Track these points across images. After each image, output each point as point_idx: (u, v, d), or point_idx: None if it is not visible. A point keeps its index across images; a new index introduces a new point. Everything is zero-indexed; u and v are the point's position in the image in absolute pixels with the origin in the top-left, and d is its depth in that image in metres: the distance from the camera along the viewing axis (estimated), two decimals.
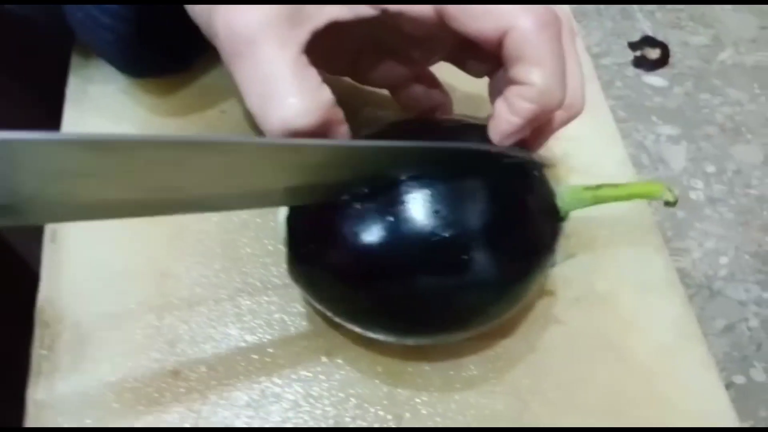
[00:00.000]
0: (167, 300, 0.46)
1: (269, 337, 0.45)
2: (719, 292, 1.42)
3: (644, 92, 1.72)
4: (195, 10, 0.39)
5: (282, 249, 0.41)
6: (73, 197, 0.33)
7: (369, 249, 0.37)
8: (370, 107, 0.47)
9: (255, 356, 0.44)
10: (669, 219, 1.51)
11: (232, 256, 0.47)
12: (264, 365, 0.44)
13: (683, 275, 1.43)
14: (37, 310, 0.45)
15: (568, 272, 0.48)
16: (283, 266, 0.42)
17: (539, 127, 0.42)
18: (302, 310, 0.46)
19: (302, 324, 0.45)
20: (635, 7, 1.87)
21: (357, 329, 0.41)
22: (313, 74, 0.36)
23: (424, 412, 0.43)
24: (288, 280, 0.43)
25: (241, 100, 0.52)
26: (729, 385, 1.28)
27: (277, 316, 0.45)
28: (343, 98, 0.38)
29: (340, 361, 0.44)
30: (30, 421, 0.42)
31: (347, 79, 0.48)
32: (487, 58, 0.42)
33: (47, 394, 0.42)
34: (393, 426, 0.42)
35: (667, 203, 0.43)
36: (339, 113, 0.38)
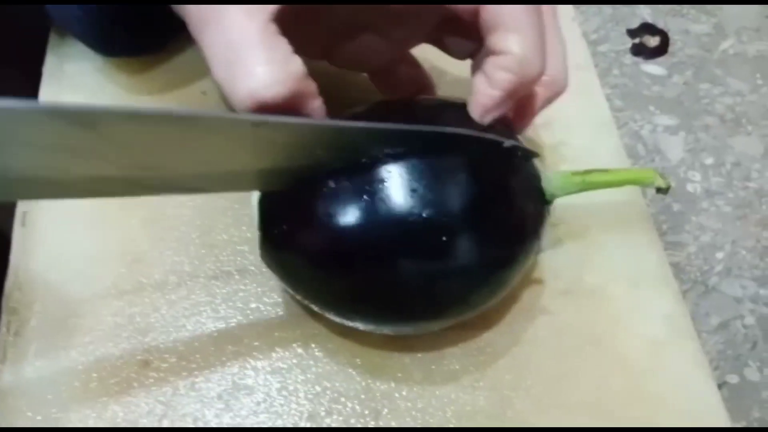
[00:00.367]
0: (140, 287, 0.45)
1: (244, 327, 0.44)
2: (714, 288, 1.42)
3: (642, 81, 1.71)
4: None
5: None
6: (42, 172, 0.32)
7: (343, 230, 0.36)
8: (347, 90, 0.46)
9: (229, 347, 0.43)
10: (664, 212, 1.50)
11: (208, 242, 0.47)
12: (237, 356, 0.43)
13: (677, 270, 1.43)
14: (5, 295, 0.44)
15: (556, 263, 0.47)
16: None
17: (521, 105, 0.42)
18: (279, 299, 0.45)
19: (279, 314, 0.45)
20: None
21: (333, 317, 0.41)
22: (282, 43, 0.35)
23: (402, 406, 0.42)
24: (266, 268, 0.42)
25: None
26: (722, 385, 1.28)
27: (253, 305, 0.45)
28: (318, 81, 0.37)
29: (317, 353, 0.44)
30: None
31: (325, 64, 0.47)
32: (468, 36, 0.41)
33: (13, 381, 0.42)
34: (370, 421, 0.42)
35: (659, 190, 0.43)
36: (311, 86, 0.37)
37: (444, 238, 0.37)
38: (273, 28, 0.35)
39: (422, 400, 0.43)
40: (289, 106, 0.36)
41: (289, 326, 0.44)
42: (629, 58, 1.75)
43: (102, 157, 0.32)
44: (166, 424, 0.41)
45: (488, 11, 0.37)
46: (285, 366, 0.43)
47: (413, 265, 0.37)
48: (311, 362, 0.43)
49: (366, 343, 0.44)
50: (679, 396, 0.44)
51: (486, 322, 0.45)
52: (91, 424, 0.41)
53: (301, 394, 0.42)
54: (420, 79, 0.48)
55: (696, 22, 1.84)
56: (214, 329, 0.44)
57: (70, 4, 0.47)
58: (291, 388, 0.42)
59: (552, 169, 0.43)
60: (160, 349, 0.43)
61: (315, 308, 0.41)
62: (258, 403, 0.42)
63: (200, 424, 0.41)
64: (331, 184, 0.37)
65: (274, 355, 0.43)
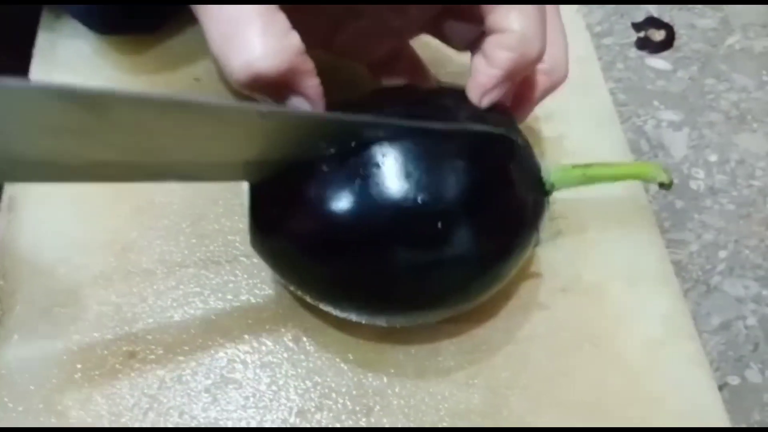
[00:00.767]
0: (127, 276, 0.45)
1: (234, 319, 0.44)
2: (716, 288, 1.41)
3: (646, 75, 1.71)
4: None
5: None
6: (42, 154, 0.32)
7: (336, 215, 0.36)
8: (344, 80, 0.46)
9: (218, 339, 0.43)
10: (667, 209, 1.50)
11: (199, 232, 0.47)
12: (226, 349, 0.43)
13: (679, 268, 1.43)
14: None
15: (554, 259, 0.47)
16: None
17: (520, 93, 0.42)
18: (270, 291, 0.45)
19: (270, 306, 0.44)
20: None
21: (325, 307, 0.40)
22: (281, 18, 0.35)
23: (395, 403, 0.42)
24: (257, 259, 0.42)
25: (215, 68, 0.52)
26: (723, 386, 1.28)
27: (243, 297, 0.45)
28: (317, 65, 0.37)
29: (308, 347, 0.43)
30: None
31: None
32: (468, 24, 0.41)
33: None
34: (362, 417, 0.41)
35: (662, 185, 0.42)
36: (308, 63, 0.37)
37: (439, 225, 0.36)
38: (272, 6, 0.35)
39: (415, 397, 0.42)
40: (285, 81, 0.35)
41: (281, 319, 0.44)
42: (634, 52, 1.75)
43: (105, 140, 0.32)
44: (151, 417, 0.41)
45: None
46: (275, 360, 0.43)
47: (407, 252, 0.37)
48: (302, 356, 0.43)
49: (359, 338, 0.44)
50: (678, 396, 0.44)
51: (482, 317, 0.45)
52: (73, 416, 0.40)
53: (291, 389, 0.42)
54: (419, 72, 0.47)
55: (702, 16, 1.83)
56: (202, 321, 0.44)
57: None
58: (281, 382, 0.42)
59: (551, 161, 0.42)
60: (146, 340, 0.43)
61: (307, 298, 0.41)
62: (246, 398, 0.41)
63: (186, 418, 0.41)
64: (324, 167, 0.36)
65: (264, 348, 0.43)
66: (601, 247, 0.49)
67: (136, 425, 0.40)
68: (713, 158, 1.58)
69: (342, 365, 0.43)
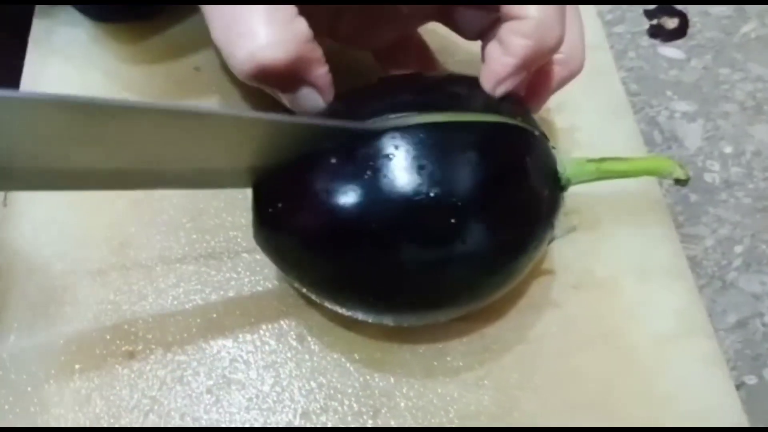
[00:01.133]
0: (126, 273, 0.45)
1: (236, 317, 0.44)
2: (732, 284, 1.41)
3: (659, 64, 1.70)
4: None
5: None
6: (41, 163, 0.33)
7: (345, 208, 0.36)
8: (351, 68, 0.46)
9: (219, 338, 0.43)
10: (681, 202, 1.50)
11: (199, 227, 0.46)
12: (229, 348, 0.43)
13: (694, 264, 1.42)
14: None
15: (566, 254, 0.47)
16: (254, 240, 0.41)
17: (535, 83, 0.41)
18: (274, 289, 0.45)
19: (273, 304, 0.44)
20: None
21: (330, 305, 0.40)
22: (286, 6, 0.35)
23: (402, 405, 0.42)
24: (260, 255, 0.41)
25: (215, 57, 0.52)
26: (740, 386, 1.27)
27: (245, 294, 0.44)
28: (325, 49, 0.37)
29: (313, 346, 0.43)
30: None
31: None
32: (481, 11, 0.41)
33: None
34: (368, 419, 0.41)
35: (678, 181, 0.42)
36: (317, 51, 0.36)
37: (453, 220, 0.36)
38: None
39: (423, 399, 0.42)
40: (292, 71, 0.35)
41: (284, 317, 0.44)
42: (646, 40, 1.74)
43: (105, 150, 0.33)
44: (152, 419, 0.41)
45: None
46: (279, 360, 0.43)
47: (418, 248, 0.37)
48: (306, 356, 0.43)
49: (365, 337, 0.43)
50: (693, 395, 0.44)
51: (492, 315, 0.45)
52: (71, 418, 0.40)
53: (296, 390, 0.42)
54: (427, 61, 0.47)
55: (716, 3, 1.83)
56: (204, 320, 0.43)
57: None
58: (285, 383, 0.42)
59: (564, 155, 0.42)
60: (146, 339, 0.43)
61: (312, 295, 0.40)
62: (250, 399, 0.41)
63: (188, 420, 0.41)
64: (333, 159, 0.36)
65: (267, 348, 0.43)
66: (614, 242, 0.49)
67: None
68: (728, 150, 1.58)
69: (348, 365, 0.43)
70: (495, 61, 0.38)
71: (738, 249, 1.45)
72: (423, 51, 0.47)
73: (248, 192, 0.39)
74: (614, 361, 0.44)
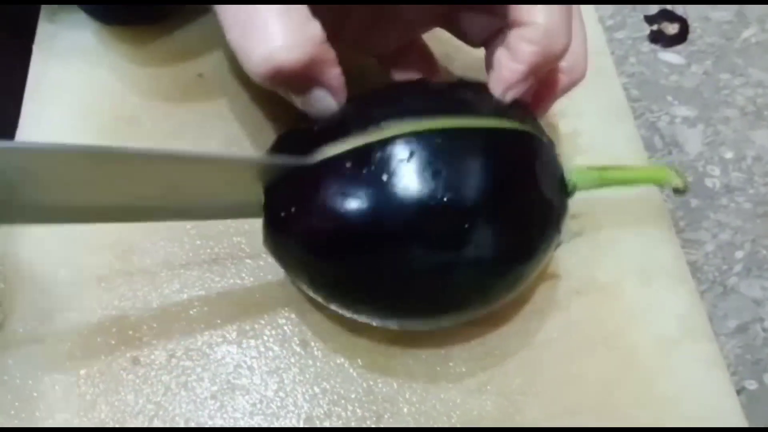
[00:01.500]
0: (130, 279, 0.45)
1: (240, 323, 0.44)
2: (733, 289, 1.41)
3: (660, 70, 1.70)
4: None
5: (258, 226, 0.40)
6: (54, 201, 0.36)
7: (359, 212, 0.36)
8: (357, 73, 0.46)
9: (223, 344, 0.43)
10: (682, 207, 1.50)
11: (203, 233, 0.47)
12: (232, 354, 0.43)
13: (694, 269, 1.42)
14: None
15: (568, 260, 0.47)
16: (258, 245, 0.41)
17: (540, 91, 0.41)
18: (278, 295, 0.45)
19: (276, 310, 0.44)
20: None
21: (337, 308, 0.40)
22: (301, 7, 0.35)
23: (405, 410, 0.42)
24: (263, 261, 0.42)
25: (219, 64, 0.52)
26: (740, 390, 1.27)
27: (249, 300, 0.45)
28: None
29: (316, 352, 0.43)
30: None
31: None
32: (485, 18, 0.41)
33: None
34: (371, 425, 0.41)
35: (677, 191, 0.42)
36: (330, 53, 0.36)
37: (466, 225, 0.36)
38: None
39: (426, 404, 0.42)
40: (307, 73, 0.35)
41: (288, 323, 0.44)
42: (647, 46, 1.74)
43: (123, 190, 0.36)
44: (157, 424, 0.41)
45: None
46: (282, 365, 0.43)
47: (432, 251, 0.37)
48: (310, 361, 0.43)
49: (368, 342, 0.44)
50: (694, 399, 0.44)
51: (495, 320, 0.45)
52: (77, 423, 0.40)
53: (299, 396, 0.42)
54: (430, 66, 0.47)
55: (716, 8, 1.83)
56: (207, 325, 0.44)
57: None
58: (288, 388, 0.42)
59: (567, 160, 0.42)
60: (151, 345, 0.43)
61: (319, 299, 0.40)
62: (254, 404, 0.42)
63: (193, 425, 0.41)
64: (347, 164, 0.36)
65: (270, 353, 0.43)
66: (616, 247, 0.49)
67: None
68: (729, 155, 1.58)
69: (351, 371, 0.43)
70: (504, 68, 0.38)
71: (739, 254, 1.45)
72: (427, 56, 0.48)
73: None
74: (616, 365, 0.44)
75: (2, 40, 0.58)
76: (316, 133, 0.38)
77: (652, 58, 1.72)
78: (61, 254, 0.45)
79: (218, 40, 0.51)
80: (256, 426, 0.41)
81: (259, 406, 0.42)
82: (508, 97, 0.39)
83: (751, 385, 1.31)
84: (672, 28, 1.79)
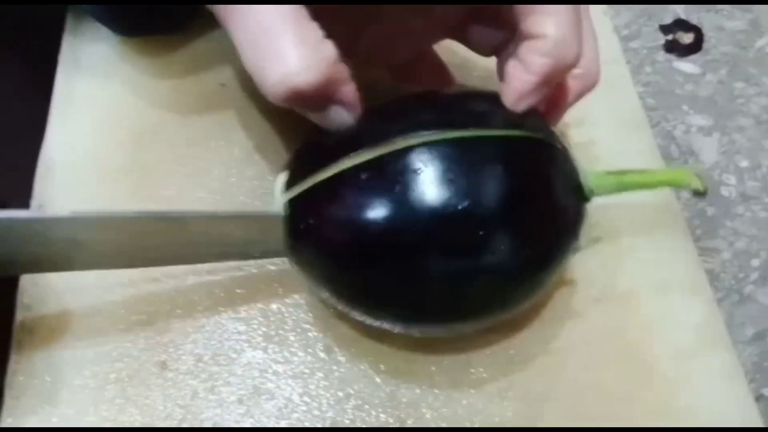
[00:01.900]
0: (158, 285, 0.45)
1: (265, 328, 0.44)
2: (749, 297, 1.40)
3: (675, 79, 1.70)
4: None
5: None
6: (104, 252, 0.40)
7: (377, 222, 0.36)
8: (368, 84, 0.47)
9: (248, 349, 0.44)
10: (698, 216, 1.49)
11: None
12: (258, 359, 0.43)
13: (711, 277, 1.42)
14: (19, 291, 0.45)
15: (587, 267, 0.47)
16: None
17: (553, 99, 0.42)
18: (301, 301, 0.45)
19: (301, 316, 0.45)
20: None
21: (359, 316, 0.41)
22: (314, 28, 0.35)
23: (428, 416, 0.42)
24: (287, 267, 0.42)
25: (241, 73, 0.52)
26: (758, 398, 1.27)
27: (274, 306, 0.45)
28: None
29: (340, 357, 0.44)
30: (7, 413, 0.41)
31: None
32: (495, 29, 0.42)
33: (27, 381, 0.42)
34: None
35: (696, 192, 0.43)
36: (344, 71, 0.37)
37: (481, 233, 0.37)
38: (304, 12, 0.35)
39: (448, 409, 0.43)
40: (322, 92, 0.36)
41: (312, 329, 0.44)
42: (662, 55, 1.74)
43: (172, 243, 0.40)
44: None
45: None
46: (307, 371, 0.43)
47: (450, 259, 0.37)
48: (334, 367, 0.43)
49: (391, 348, 0.44)
50: (712, 408, 0.44)
51: (516, 327, 0.45)
52: (107, 426, 0.41)
53: (324, 400, 0.42)
54: (442, 76, 0.48)
55: (731, 18, 1.83)
56: (234, 330, 0.44)
57: None
58: (313, 393, 0.42)
59: (583, 166, 0.43)
60: (178, 350, 0.43)
61: (341, 307, 0.41)
62: (280, 409, 0.42)
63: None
64: (363, 175, 0.37)
65: (295, 359, 0.43)
66: (634, 255, 0.49)
67: None
68: (744, 164, 1.58)
69: (374, 376, 0.43)
70: (516, 79, 0.38)
71: (755, 262, 1.44)
72: (438, 66, 0.48)
73: (277, 206, 0.40)
74: (635, 374, 0.45)
75: (27, 59, 0.59)
76: (333, 145, 0.39)
77: (667, 67, 1.72)
78: None
79: None
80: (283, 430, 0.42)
81: (284, 410, 0.42)
82: (521, 106, 0.39)
83: None
84: (687, 38, 1.78)
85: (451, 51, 0.48)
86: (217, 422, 0.41)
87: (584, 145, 0.53)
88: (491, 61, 0.45)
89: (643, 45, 1.75)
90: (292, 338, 0.44)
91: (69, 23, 0.55)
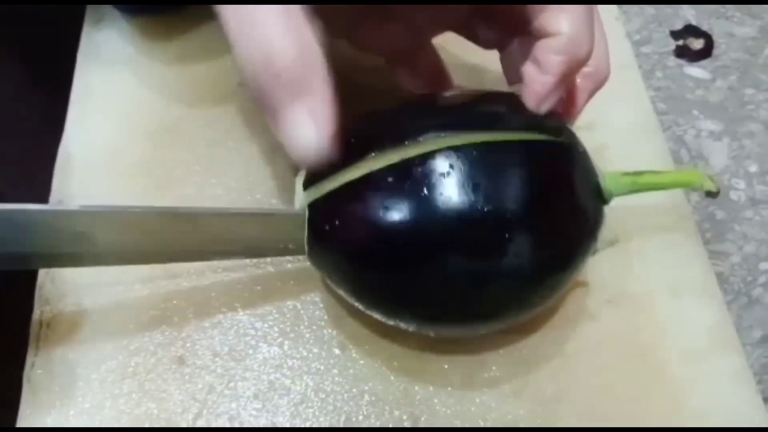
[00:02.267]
0: (175, 281, 0.45)
1: (281, 325, 0.44)
2: (758, 300, 1.40)
3: (686, 84, 1.70)
4: None
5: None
6: (119, 250, 0.40)
7: (403, 224, 0.36)
8: (364, 76, 0.46)
9: (264, 345, 0.44)
10: (707, 220, 1.49)
11: None
12: (274, 355, 0.43)
13: (720, 280, 1.41)
14: (38, 285, 0.45)
15: (599, 269, 0.47)
16: None
17: (568, 96, 0.42)
18: (317, 298, 0.45)
19: (316, 314, 0.45)
20: None
21: (377, 315, 0.41)
22: (299, 13, 0.33)
23: (441, 413, 0.42)
24: (303, 265, 0.42)
25: None
26: (765, 400, 1.27)
27: (290, 303, 0.45)
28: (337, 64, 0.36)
29: (354, 354, 0.44)
30: (25, 406, 0.41)
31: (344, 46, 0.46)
32: (500, 25, 0.42)
33: (45, 375, 0.42)
34: (408, 426, 0.42)
35: (709, 193, 0.43)
36: (321, 56, 0.34)
37: (506, 235, 0.37)
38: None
39: (461, 406, 0.43)
40: (298, 73, 0.33)
41: (326, 326, 0.45)
42: (672, 61, 1.74)
43: (188, 239, 0.40)
44: (201, 423, 0.41)
45: None
46: (322, 367, 0.43)
47: (473, 262, 0.37)
48: (348, 363, 0.43)
49: (404, 347, 0.44)
50: (722, 410, 0.44)
51: (530, 328, 0.45)
52: (124, 420, 0.41)
53: (338, 396, 0.42)
54: (439, 71, 0.47)
55: (741, 24, 1.82)
56: (250, 326, 0.44)
57: None
58: (328, 389, 0.43)
59: (604, 171, 0.43)
60: (195, 345, 0.43)
61: (361, 306, 0.41)
62: (295, 405, 0.42)
63: (236, 425, 0.41)
64: (389, 178, 0.37)
65: (310, 355, 0.44)
66: (646, 258, 0.49)
67: None
68: (754, 169, 1.57)
69: (388, 373, 0.43)
70: (534, 82, 0.38)
71: (763, 266, 1.44)
72: (435, 60, 0.48)
73: (297, 205, 0.40)
74: (647, 377, 0.45)
75: (47, 53, 0.59)
76: (355, 144, 0.38)
77: (678, 72, 1.72)
78: None
79: None
80: (298, 425, 0.41)
81: (300, 407, 0.42)
82: (543, 108, 0.39)
83: None
84: (697, 44, 1.78)
85: (444, 50, 0.48)
86: (233, 417, 0.41)
87: (596, 149, 0.52)
88: (487, 58, 0.45)
89: (654, 50, 1.75)
90: (307, 335, 0.44)
91: (88, 19, 0.56)
